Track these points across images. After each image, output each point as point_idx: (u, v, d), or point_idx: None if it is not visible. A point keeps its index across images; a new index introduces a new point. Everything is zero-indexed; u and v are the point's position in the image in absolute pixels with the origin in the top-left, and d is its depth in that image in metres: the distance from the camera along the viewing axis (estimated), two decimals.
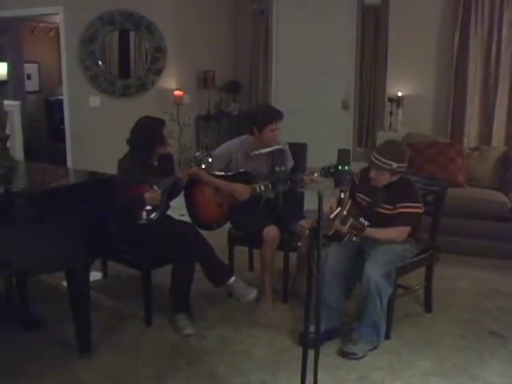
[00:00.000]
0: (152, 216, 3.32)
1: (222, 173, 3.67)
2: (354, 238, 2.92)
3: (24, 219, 2.67)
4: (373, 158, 3.12)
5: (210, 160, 3.37)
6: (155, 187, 3.32)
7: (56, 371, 2.86)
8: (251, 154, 3.60)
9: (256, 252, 3.86)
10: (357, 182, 3.31)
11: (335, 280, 3.12)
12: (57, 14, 6.30)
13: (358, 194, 3.30)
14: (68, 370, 2.87)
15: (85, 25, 6.09)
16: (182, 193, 3.69)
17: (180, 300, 3.35)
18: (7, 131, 3.26)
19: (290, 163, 3.77)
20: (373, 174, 3.15)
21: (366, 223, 2.89)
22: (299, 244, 3.60)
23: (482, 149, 5.12)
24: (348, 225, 2.86)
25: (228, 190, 3.61)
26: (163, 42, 6.46)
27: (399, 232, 3.14)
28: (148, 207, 3.30)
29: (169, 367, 2.92)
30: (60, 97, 7.06)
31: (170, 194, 3.49)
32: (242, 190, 3.55)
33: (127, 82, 6.43)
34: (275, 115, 3.63)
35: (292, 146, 3.86)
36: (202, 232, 3.48)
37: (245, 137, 3.73)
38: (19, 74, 7.99)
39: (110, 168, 3.35)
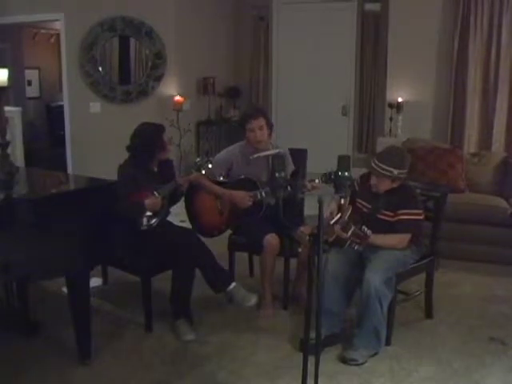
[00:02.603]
0: (152, 222, 3.32)
1: (222, 179, 3.68)
2: (356, 247, 2.90)
3: (24, 225, 2.67)
4: (373, 165, 3.12)
5: (209, 166, 3.38)
6: (155, 193, 3.32)
7: (56, 377, 2.85)
8: (250, 157, 3.61)
9: (256, 258, 3.85)
10: (357, 188, 3.31)
11: (336, 286, 3.12)
12: (57, 20, 6.34)
13: (358, 200, 3.30)
14: (68, 376, 2.86)
15: (85, 31, 6.11)
16: (183, 199, 3.69)
17: (180, 306, 3.34)
18: (8, 137, 3.26)
19: (290, 168, 3.77)
20: (373, 180, 3.16)
21: (369, 232, 2.88)
22: (299, 250, 3.60)
23: (482, 154, 5.12)
24: (350, 232, 2.85)
25: (229, 197, 3.61)
26: (163, 49, 6.47)
27: (400, 239, 3.14)
28: (148, 213, 3.30)
29: (169, 373, 2.92)
30: (60, 103, 7.08)
31: (171, 200, 3.49)
32: (242, 198, 3.56)
33: (127, 88, 6.45)
34: (248, 114, 3.65)
35: (292, 151, 3.86)
36: (203, 238, 3.48)
37: (243, 142, 3.74)
38: (20, 80, 7.99)
39: (110, 174, 3.36)
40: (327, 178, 3.01)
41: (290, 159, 3.78)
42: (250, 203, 3.56)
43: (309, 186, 3.35)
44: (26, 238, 2.64)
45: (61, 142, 6.84)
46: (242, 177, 3.65)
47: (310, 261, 2.33)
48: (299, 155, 3.95)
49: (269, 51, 7.49)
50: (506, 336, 3.27)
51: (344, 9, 7.00)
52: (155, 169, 3.50)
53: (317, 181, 3.28)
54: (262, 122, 3.59)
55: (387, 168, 3.07)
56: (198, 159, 3.41)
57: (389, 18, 6.45)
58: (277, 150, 3.62)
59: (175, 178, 3.55)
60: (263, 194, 3.54)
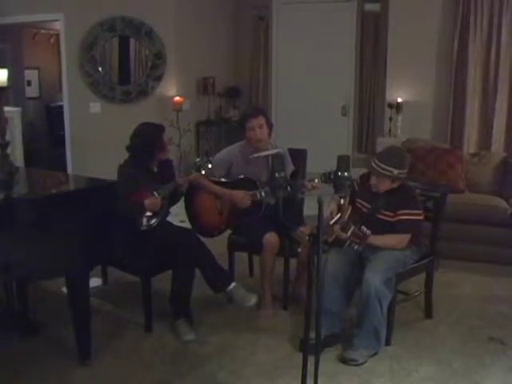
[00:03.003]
0: (152, 222, 3.33)
1: (223, 179, 3.68)
2: (356, 247, 2.91)
3: (24, 225, 2.67)
4: (373, 165, 3.12)
5: (209, 166, 3.38)
6: (155, 193, 3.32)
7: (56, 377, 2.85)
8: (250, 157, 3.61)
9: (256, 258, 3.85)
10: (357, 188, 3.31)
11: (335, 286, 3.12)
12: (57, 20, 6.34)
13: (358, 200, 3.30)
14: (68, 376, 2.86)
15: (85, 31, 6.12)
16: (183, 199, 3.69)
17: (180, 306, 3.34)
18: (7, 137, 3.26)
19: (290, 168, 3.77)
20: (373, 180, 3.16)
21: (368, 232, 2.88)
22: (299, 250, 3.60)
23: (482, 154, 5.12)
24: (349, 233, 2.85)
25: (228, 197, 3.61)
26: (163, 49, 6.47)
27: (399, 239, 3.14)
28: (148, 213, 3.30)
29: (169, 373, 2.92)
30: (60, 103, 7.08)
31: (170, 200, 3.49)
32: (242, 198, 3.56)
33: (127, 88, 6.45)
34: (248, 113, 3.67)
35: (292, 151, 3.86)
36: (203, 238, 3.48)
37: (243, 142, 3.74)
38: (20, 80, 8.00)
39: (110, 174, 3.36)
40: (327, 177, 3.01)
41: (289, 159, 3.78)
42: (250, 203, 3.56)
43: (308, 185, 3.35)
44: (25, 238, 2.64)
45: (61, 142, 6.85)
46: (242, 176, 3.65)
47: (310, 261, 2.33)
48: (299, 155, 3.95)
49: (269, 51, 7.49)
50: (506, 336, 3.27)
51: (344, 9, 7.00)
52: (155, 169, 3.50)
53: (316, 181, 3.28)
54: (261, 120, 3.60)
55: (387, 168, 3.07)
56: (198, 159, 3.42)
57: (389, 18, 6.45)
58: (276, 150, 3.61)
59: (175, 178, 3.55)
60: (263, 193, 3.54)
